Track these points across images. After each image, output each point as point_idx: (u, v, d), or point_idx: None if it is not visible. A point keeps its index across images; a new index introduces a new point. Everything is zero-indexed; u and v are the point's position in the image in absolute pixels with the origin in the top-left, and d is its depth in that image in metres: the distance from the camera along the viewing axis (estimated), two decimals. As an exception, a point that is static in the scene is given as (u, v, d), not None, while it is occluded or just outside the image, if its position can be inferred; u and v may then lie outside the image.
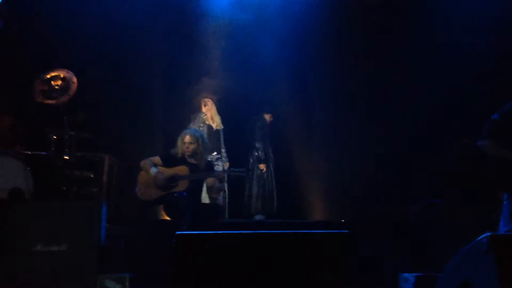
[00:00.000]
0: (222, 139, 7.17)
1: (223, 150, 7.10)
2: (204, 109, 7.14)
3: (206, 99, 7.18)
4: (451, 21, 6.81)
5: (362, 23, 7.73)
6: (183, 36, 7.70)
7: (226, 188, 7.06)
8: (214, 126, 7.16)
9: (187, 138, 5.58)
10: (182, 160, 5.56)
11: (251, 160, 7.46)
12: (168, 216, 5.61)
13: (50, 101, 5.70)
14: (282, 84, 7.80)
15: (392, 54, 7.51)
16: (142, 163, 5.53)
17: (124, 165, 6.61)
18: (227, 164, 7.11)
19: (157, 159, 5.59)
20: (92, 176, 6.02)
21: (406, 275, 4.29)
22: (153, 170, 5.42)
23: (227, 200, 7.06)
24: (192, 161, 5.57)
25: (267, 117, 7.68)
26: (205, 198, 6.39)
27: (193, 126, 6.88)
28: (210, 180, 5.64)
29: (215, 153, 6.96)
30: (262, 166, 7.41)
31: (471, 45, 6.63)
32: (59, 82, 5.70)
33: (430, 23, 7.06)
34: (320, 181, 7.74)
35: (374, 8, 7.66)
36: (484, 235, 2.67)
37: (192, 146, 5.55)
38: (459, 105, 6.78)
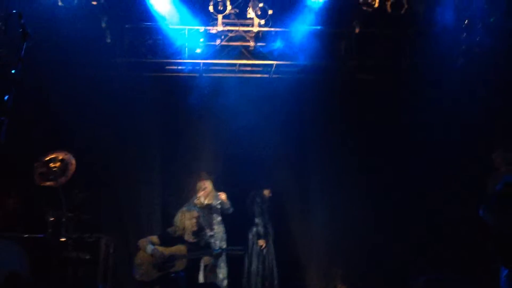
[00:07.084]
0: (217, 216, 7.09)
1: (216, 227, 7.02)
2: (201, 193, 7.05)
3: (203, 181, 7.11)
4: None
5: (353, 99, 7.94)
6: (182, 117, 7.86)
7: (225, 266, 6.94)
8: (210, 203, 7.09)
9: (195, 214, 5.62)
10: (179, 239, 5.55)
11: (250, 236, 7.36)
12: (166, 297, 5.51)
13: (48, 183, 5.78)
14: (281, 160, 7.88)
15: (385, 126, 7.68)
16: (140, 242, 5.53)
17: (121, 245, 6.57)
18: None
19: (155, 238, 5.59)
20: (88, 257, 5.97)
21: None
22: (150, 247, 5.40)
23: (226, 277, 6.93)
24: (191, 239, 5.55)
25: (266, 192, 7.66)
26: (202, 277, 6.28)
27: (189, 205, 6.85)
28: (206, 258, 5.60)
29: (208, 230, 6.91)
30: (262, 242, 7.29)
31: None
32: (58, 164, 5.81)
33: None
34: (320, 257, 7.64)
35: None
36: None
37: (198, 221, 5.60)
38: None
